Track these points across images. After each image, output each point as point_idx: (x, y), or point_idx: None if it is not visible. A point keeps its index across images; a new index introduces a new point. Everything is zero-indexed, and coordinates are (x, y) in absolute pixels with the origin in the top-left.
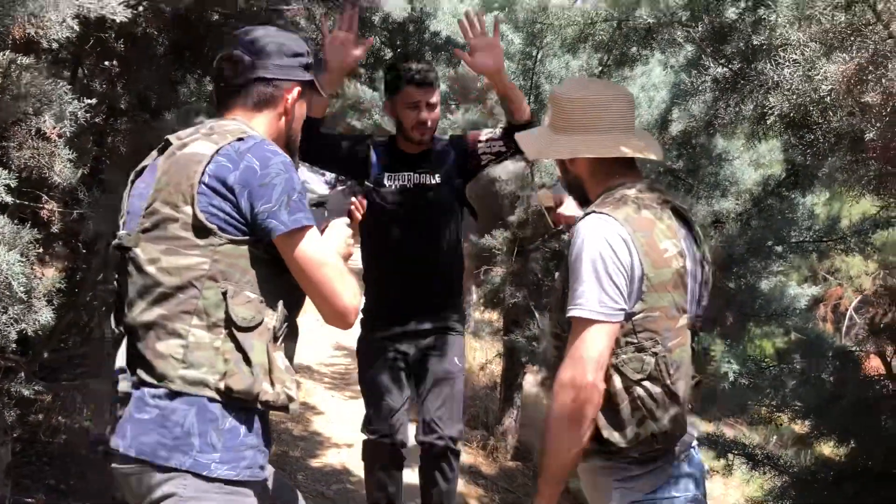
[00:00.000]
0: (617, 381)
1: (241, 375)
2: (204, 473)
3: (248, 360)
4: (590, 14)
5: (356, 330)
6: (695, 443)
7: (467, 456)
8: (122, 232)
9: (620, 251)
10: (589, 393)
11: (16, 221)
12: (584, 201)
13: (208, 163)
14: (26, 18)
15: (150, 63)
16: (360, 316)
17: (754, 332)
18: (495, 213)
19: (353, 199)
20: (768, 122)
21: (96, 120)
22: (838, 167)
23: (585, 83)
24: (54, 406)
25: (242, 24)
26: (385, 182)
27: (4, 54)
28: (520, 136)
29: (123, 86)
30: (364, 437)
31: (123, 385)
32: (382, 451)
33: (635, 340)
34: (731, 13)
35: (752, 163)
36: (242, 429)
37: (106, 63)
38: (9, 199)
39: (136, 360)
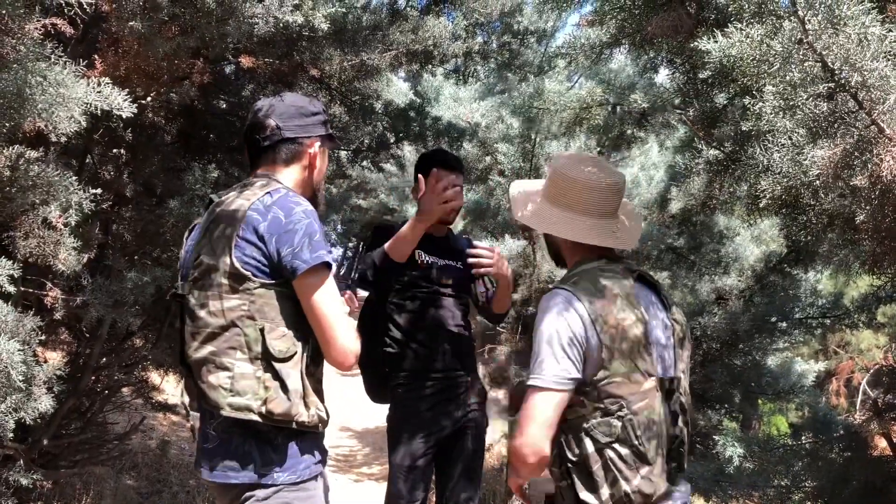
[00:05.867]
0: (588, 445)
1: (279, 400)
2: (268, 482)
3: (285, 387)
4: (584, 99)
5: (360, 413)
6: (687, 500)
7: None
8: (178, 283)
9: (575, 325)
10: (536, 451)
11: (19, 309)
12: (562, 264)
13: (242, 218)
14: (36, 114)
15: (156, 151)
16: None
17: (766, 409)
18: None
19: (347, 291)
20: (761, 204)
21: (103, 207)
22: (835, 245)
23: (583, 163)
24: (53, 494)
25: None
26: (417, 259)
27: (13, 148)
28: (515, 195)
29: (130, 173)
30: None
31: (194, 420)
32: None
33: (602, 405)
34: (720, 99)
35: (753, 239)
36: (292, 442)
37: (114, 151)
38: (12, 288)
39: (197, 392)
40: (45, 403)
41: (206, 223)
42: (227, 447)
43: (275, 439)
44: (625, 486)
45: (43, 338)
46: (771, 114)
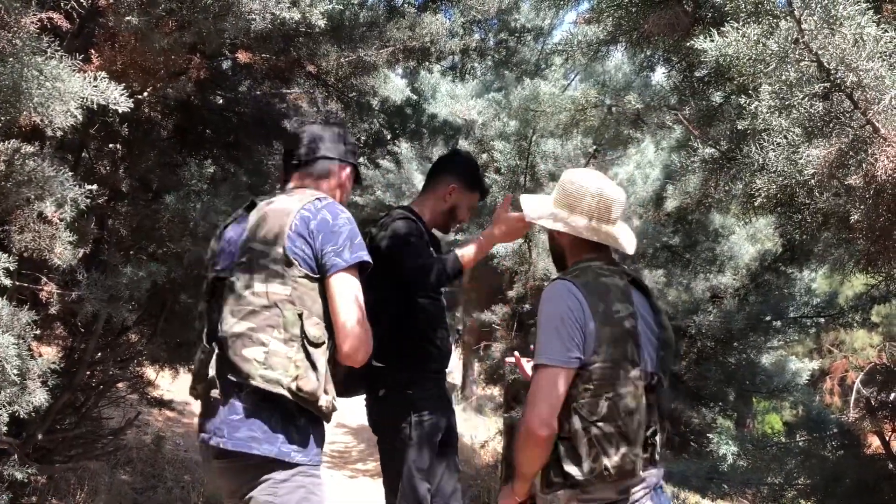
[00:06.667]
0: (576, 422)
1: (308, 379)
2: (286, 460)
3: (315, 369)
4: (580, 101)
5: (355, 410)
6: (661, 484)
7: None
8: (219, 266)
9: (575, 310)
10: (545, 425)
11: (14, 303)
12: (561, 267)
13: (296, 215)
14: (32, 108)
15: (152, 146)
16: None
17: (760, 407)
18: (494, 288)
19: None
20: (756, 202)
21: (98, 202)
22: (830, 244)
23: (595, 178)
24: (48, 488)
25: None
26: None
27: (9, 143)
28: (525, 198)
29: (126, 169)
30: None
31: (215, 393)
32: None
33: (591, 387)
34: (716, 97)
35: (748, 238)
36: (310, 427)
37: (110, 146)
38: (7, 281)
39: (226, 365)
40: (39, 397)
41: (256, 219)
42: (254, 419)
43: (298, 420)
44: (605, 461)
45: (38, 332)
46: (767, 113)
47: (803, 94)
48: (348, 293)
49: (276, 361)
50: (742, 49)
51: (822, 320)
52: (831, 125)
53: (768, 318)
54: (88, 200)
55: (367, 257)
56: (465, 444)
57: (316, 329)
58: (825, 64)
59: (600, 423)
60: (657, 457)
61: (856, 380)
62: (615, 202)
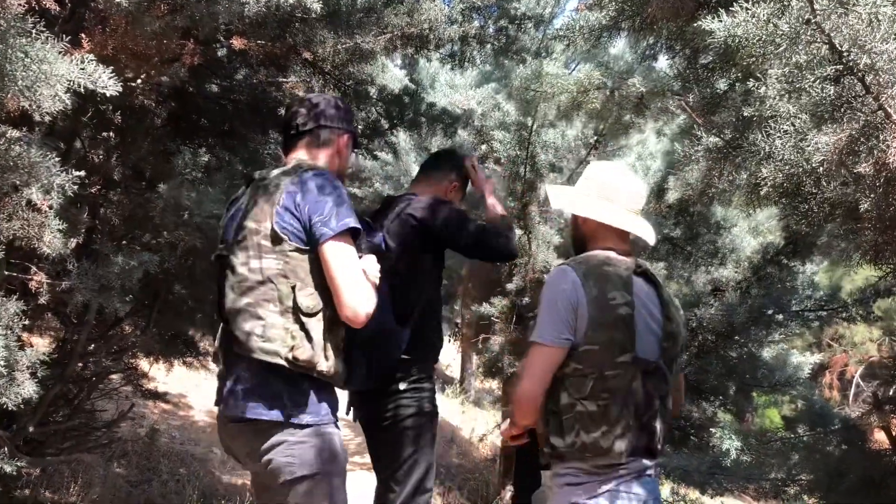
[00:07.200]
0: (564, 398)
1: (304, 349)
2: (295, 422)
3: (309, 338)
4: (582, 82)
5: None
6: (651, 472)
7: None
8: (220, 246)
9: (570, 294)
10: (530, 398)
11: (2, 293)
12: (580, 254)
13: (282, 190)
14: (20, 92)
15: (146, 134)
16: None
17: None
18: (493, 280)
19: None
20: (762, 192)
21: (91, 190)
22: (836, 235)
23: (624, 171)
24: (41, 481)
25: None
26: None
27: None
28: (551, 188)
29: (118, 157)
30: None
31: (222, 366)
32: None
33: (580, 366)
34: (721, 84)
35: (750, 230)
36: (315, 390)
37: (103, 134)
38: None
39: (230, 338)
40: (28, 389)
41: (251, 196)
42: (261, 388)
43: (301, 384)
44: (584, 437)
45: (27, 323)
46: (775, 97)
47: (814, 76)
48: (339, 261)
49: (273, 333)
50: (751, 29)
51: (825, 314)
52: (842, 110)
53: (770, 312)
54: (76, 188)
55: (354, 223)
56: (463, 438)
57: (309, 300)
58: (837, 45)
59: (585, 401)
60: (657, 445)
61: (855, 374)
62: (641, 194)
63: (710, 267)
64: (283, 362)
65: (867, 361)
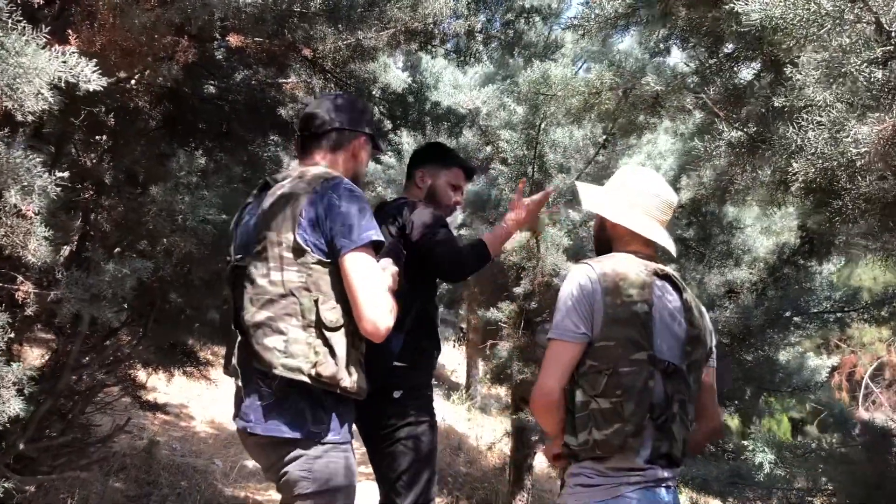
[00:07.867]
0: (579, 395)
1: (328, 364)
2: (316, 439)
3: (333, 353)
4: (594, 84)
5: None
6: (669, 483)
7: None
8: (236, 255)
9: (587, 290)
10: (546, 393)
11: None
12: (602, 254)
13: (303, 201)
14: (2, 91)
15: (139, 136)
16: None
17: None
18: (500, 285)
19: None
20: (791, 188)
21: (84, 197)
22: (865, 233)
23: (655, 178)
24: (36, 499)
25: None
26: None
27: None
28: (583, 186)
29: (111, 160)
30: None
31: (238, 381)
32: None
33: (595, 363)
34: (746, 73)
35: (763, 231)
36: (337, 406)
37: (96, 137)
38: None
39: (250, 353)
40: (13, 406)
41: (269, 203)
42: (283, 405)
43: (324, 400)
44: (595, 435)
45: (13, 336)
46: (815, 84)
47: (861, 60)
48: (359, 273)
49: (296, 349)
50: (790, 10)
51: (840, 315)
52: (889, 97)
53: (788, 314)
54: (67, 193)
55: (376, 235)
56: (470, 446)
57: (332, 313)
58: (886, 25)
59: (598, 398)
60: (675, 451)
61: (864, 375)
62: (671, 204)
63: (724, 268)
64: (305, 378)
65: (877, 362)
